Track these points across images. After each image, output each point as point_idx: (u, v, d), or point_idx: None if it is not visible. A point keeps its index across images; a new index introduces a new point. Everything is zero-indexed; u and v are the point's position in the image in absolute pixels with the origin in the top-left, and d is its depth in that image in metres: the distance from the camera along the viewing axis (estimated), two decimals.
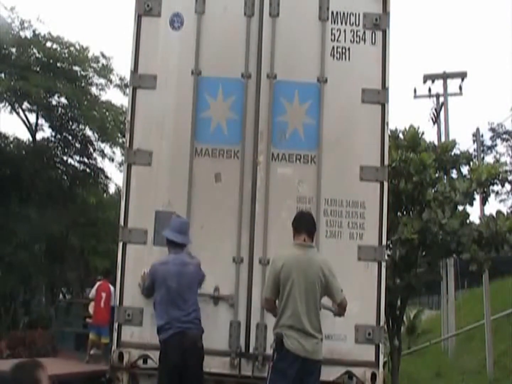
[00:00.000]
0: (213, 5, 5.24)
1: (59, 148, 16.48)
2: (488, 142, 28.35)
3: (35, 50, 14.15)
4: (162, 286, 4.61)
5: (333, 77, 5.13)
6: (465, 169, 8.18)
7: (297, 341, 4.22)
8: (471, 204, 7.73)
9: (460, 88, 18.76)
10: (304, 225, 4.48)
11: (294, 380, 4.19)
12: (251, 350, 4.84)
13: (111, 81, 15.15)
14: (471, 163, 8.27)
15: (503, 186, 8.24)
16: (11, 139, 16.21)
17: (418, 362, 14.69)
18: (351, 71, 5.16)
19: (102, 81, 15.10)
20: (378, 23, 5.17)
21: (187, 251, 4.79)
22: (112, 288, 9.99)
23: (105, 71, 14.86)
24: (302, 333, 4.23)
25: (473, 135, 18.59)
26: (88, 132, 15.74)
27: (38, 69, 14.23)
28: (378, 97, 5.09)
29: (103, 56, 14.82)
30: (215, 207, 5.00)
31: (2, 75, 13.55)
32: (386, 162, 5.07)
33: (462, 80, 18.70)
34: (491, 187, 8.00)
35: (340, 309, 4.39)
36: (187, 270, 4.63)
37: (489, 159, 26.72)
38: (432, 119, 19.41)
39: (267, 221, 4.97)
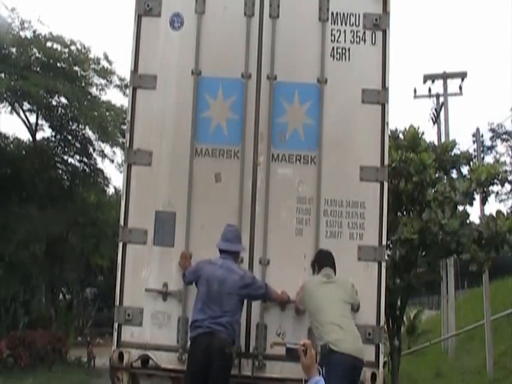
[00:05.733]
0: (213, 5, 5.24)
1: (59, 148, 16.46)
2: (488, 143, 28.38)
3: (35, 50, 14.12)
4: (204, 284, 4.64)
5: (333, 77, 5.13)
6: (465, 169, 8.19)
7: (343, 343, 4.40)
8: (471, 204, 7.73)
9: (460, 88, 18.79)
10: (327, 262, 4.79)
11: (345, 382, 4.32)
12: (251, 350, 4.85)
13: (111, 82, 15.13)
14: (471, 163, 8.27)
15: (503, 186, 8.24)
16: (11, 139, 16.20)
17: (418, 362, 14.68)
18: (351, 71, 5.16)
19: (102, 81, 15.08)
20: (378, 23, 5.17)
21: (236, 260, 4.81)
22: None
23: (105, 72, 14.84)
24: (341, 333, 4.45)
25: (473, 135, 18.59)
26: (88, 132, 15.73)
27: (38, 69, 14.20)
28: (378, 97, 5.09)
29: (106, 58, 14.81)
30: (215, 207, 5.00)
31: (2, 75, 13.53)
32: (386, 162, 5.07)
33: (462, 80, 18.73)
34: (491, 187, 8.00)
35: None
36: (231, 277, 4.62)
37: (489, 159, 26.77)
38: (432, 119, 19.42)
39: (267, 222, 4.97)
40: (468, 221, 7.57)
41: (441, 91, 19.02)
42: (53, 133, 16.26)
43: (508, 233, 7.38)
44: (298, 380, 4.80)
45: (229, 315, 4.56)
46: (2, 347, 11.69)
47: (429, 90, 19.27)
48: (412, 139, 7.80)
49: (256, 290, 4.71)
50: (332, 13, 5.19)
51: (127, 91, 11.45)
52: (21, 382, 10.35)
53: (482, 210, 11.21)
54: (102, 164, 16.96)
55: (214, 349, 4.44)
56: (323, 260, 4.80)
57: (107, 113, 14.91)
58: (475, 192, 7.74)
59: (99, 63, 14.74)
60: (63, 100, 14.92)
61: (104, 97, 15.43)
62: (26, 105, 15.16)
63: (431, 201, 7.34)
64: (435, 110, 19.30)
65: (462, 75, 18.72)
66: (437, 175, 7.72)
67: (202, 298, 4.63)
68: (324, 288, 4.65)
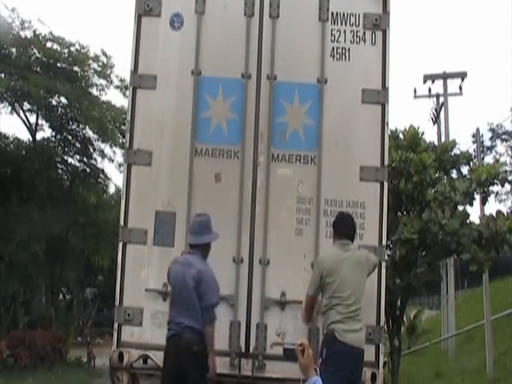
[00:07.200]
0: (213, 5, 5.24)
1: (59, 148, 16.48)
2: (488, 143, 28.41)
3: (35, 50, 14.14)
4: (171, 285, 4.68)
5: (333, 77, 5.13)
6: (465, 169, 8.18)
7: (349, 334, 4.41)
8: (471, 204, 7.72)
9: (460, 88, 18.79)
10: (347, 230, 4.72)
11: (346, 371, 4.32)
12: (251, 350, 4.85)
13: (111, 82, 15.16)
14: (471, 163, 8.27)
15: (503, 186, 8.24)
16: (11, 139, 16.22)
17: (418, 362, 14.67)
18: (351, 71, 5.16)
19: (102, 81, 15.10)
20: (378, 23, 5.17)
21: (206, 252, 4.69)
22: None
23: (105, 70, 14.85)
24: (350, 323, 4.46)
25: (473, 136, 18.60)
26: (88, 132, 15.75)
27: (38, 69, 14.23)
28: (378, 97, 5.09)
29: (104, 54, 14.82)
30: (215, 207, 4.99)
31: (2, 75, 13.55)
32: (386, 162, 5.07)
33: (462, 80, 18.73)
34: (491, 187, 7.99)
35: None
36: (188, 272, 4.54)
37: (488, 159, 26.78)
38: (432, 119, 19.42)
39: (267, 222, 4.97)
40: (468, 221, 7.56)
41: (441, 91, 19.03)
42: (53, 133, 16.29)
43: (508, 233, 7.37)
44: (298, 380, 4.83)
45: (191, 313, 4.49)
46: (2, 347, 11.70)
47: (429, 90, 19.28)
48: (412, 139, 7.80)
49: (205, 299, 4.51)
50: (332, 13, 5.19)
51: (127, 92, 11.45)
52: (21, 382, 10.35)
53: (482, 210, 11.21)
54: (102, 164, 16.97)
55: (181, 350, 4.44)
56: (342, 229, 4.72)
57: (107, 113, 14.91)
58: (475, 192, 7.73)
59: (98, 60, 14.74)
60: (63, 100, 14.94)
61: (104, 97, 15.46)
62: (26, 105, 15.19)
63: (431, 201, 7.33)
64: (435, 110, 19.31)
65: (462, 75, 18.72)
66: (437, 175, 7.71)
67: (170, 299, 4.67)
68: (343, 265, 4.56)
